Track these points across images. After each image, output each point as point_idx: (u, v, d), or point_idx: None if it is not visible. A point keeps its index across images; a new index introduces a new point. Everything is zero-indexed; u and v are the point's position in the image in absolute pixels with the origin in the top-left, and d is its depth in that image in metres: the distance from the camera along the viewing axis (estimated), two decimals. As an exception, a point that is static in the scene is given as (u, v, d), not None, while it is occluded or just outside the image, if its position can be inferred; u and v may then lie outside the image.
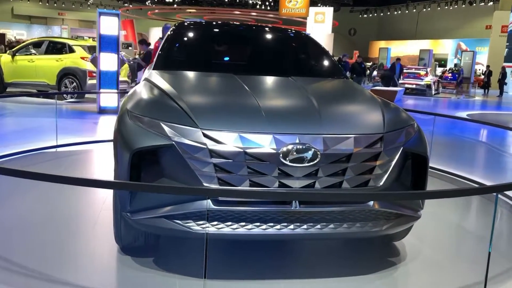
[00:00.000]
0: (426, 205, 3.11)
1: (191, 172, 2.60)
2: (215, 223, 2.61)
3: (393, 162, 2.81)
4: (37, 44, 12.74)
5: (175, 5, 39.93)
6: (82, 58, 11.81)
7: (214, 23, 5.62)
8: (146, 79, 3.57)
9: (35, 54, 12.43)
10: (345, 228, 2.71)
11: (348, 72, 18.82)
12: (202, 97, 3.26)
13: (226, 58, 4.35)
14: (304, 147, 2.63)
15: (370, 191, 2.74)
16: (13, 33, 38.18)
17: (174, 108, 2.85)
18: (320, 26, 28.41)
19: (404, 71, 21.68)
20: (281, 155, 2.60)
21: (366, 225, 2.75)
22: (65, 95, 11.87)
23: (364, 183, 2.74)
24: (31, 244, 3.34)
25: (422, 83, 21.20)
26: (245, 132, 2.65)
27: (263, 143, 2.62)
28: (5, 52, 12.45)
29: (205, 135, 2.64)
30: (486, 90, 24.76)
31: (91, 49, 11.94)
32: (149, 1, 40.04)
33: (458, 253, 3.62)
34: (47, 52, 12.33)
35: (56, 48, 12.41)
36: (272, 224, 2.64)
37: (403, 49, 40.19)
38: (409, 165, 3.01)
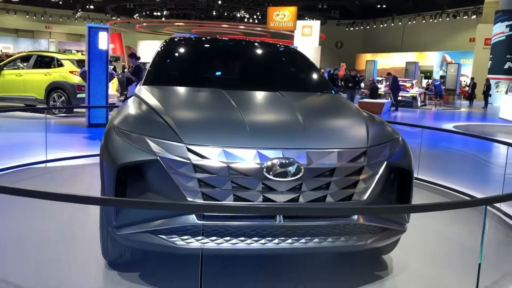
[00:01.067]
0: (413, 217, 3.17)
1: (175, 187, 2.62)
2: (199, 238, 2.63)
3: (377, 176, 2.85)
4: (25, 58, 12.70)
5: (163, 19, 40.09)
6: (71, 72, 11.80)
7: (204, 38, 5.65)
8: (135, 95, 3.65)
9: (23, 68, 12.39)
10: (330, 242, 2.74)
11: (342, 82, 18.99)
12: (188, 112, 3.31)
13: (216, 73, 4.38)
14: (287, 161, 2.66)
15: (354, 205, 2.76)
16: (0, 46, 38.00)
17: (160, 123, 2.90)
18: (308, 39, 28.79)
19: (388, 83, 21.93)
20: (265, 170, 2.63)
21: (350, 239, 2.78)
22: (53, 109, 11.82)
23: (348, 197, 2.77)
24: (17, 260, 3.33)
25: (408, 95, 21.47)
26: (229, 147, 2.69)
27: (247, 157, 2.66)
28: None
29: (190, 150, 2.67)
30: (471, 102, 25.15)
31: (79, 63, 11.93)
32: (137, 15, 40.13)
33: (447, 265, 3.66)
34: (35, 66, 12.32)
35: (44, 62, 12.40)
36: (256, 238, 2.66)
37: (389, 61, 40.76)
38: (394, 179, 3.06)
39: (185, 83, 3.96)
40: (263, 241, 2.67)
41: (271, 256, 3.46)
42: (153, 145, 2.72)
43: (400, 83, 20.51)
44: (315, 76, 4.46)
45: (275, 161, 2.65)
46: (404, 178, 3.05)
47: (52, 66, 12.14)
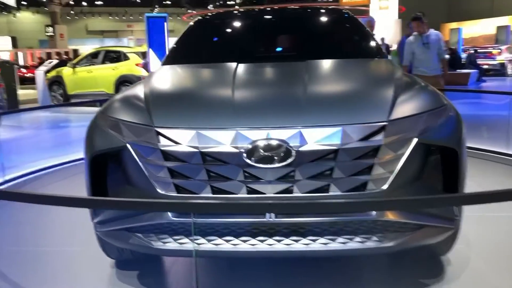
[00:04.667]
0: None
1: (145, 177, 2.27)
2: (177, 237, 2.23)
3: (403, 158, 2.22)
4: (94, 55, 13.13)
5: (237, 7, 40.16)
6: (137, 64, 12.00)
7: (234, 11, 5.19)
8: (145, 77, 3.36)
9: (93, 65, 12.82)
10: (340, 244, 2.17)
11: None
12: (174, 92, 2.90)
13: (239, 46, 3.92)
14: (273, 143, 2.15)
15: (369, 197, 2.17)
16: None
17: (137, 105, 2.55)
18: (385, 13, 27.16)
19: (478, 51, 20.02)
20: (245, 155, 2.14)
21: (369, 239, 2.19)
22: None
23: (360, 186, 2.18)
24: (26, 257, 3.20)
25: (495, 62, 19.45)
26: (205, 128, 2.24)
27: (224, 140, 2.19)
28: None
29: (159, 134, 2.28)
30: None
31: (145, 55, 12.09)
32: (211, 5, 40.55)
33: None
34: (104, 61, 12.67)
35: (112, 57, 12.72)
36: (244, 238, 2.18)
37: (477, 29, 37.44)
38: (434, 161, 2.41)
39: (203, 59, 3.64)
40: (253, 241, 2.18)
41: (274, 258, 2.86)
42: (124, 130, 2.39)
43: (485, 50, 18.66)
44: (360, 40, 3.85)
45: (258, 143, 2.15)
46: (448, 159, 2.37)
47: (119, 60, 12.43)
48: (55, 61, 15.92)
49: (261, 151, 2.14)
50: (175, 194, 2.22)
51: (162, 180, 2.24)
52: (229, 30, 4.20)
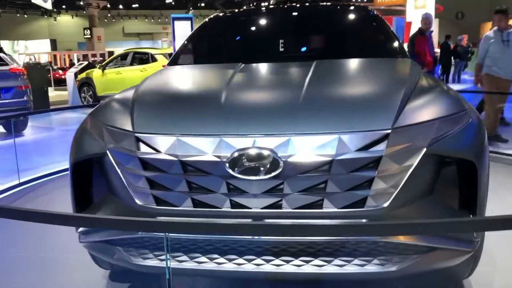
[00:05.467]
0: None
1: (124, 187, 2.10)
2: (159, 253, 2.04)
3: (409, 171, 1.94)
4: (123, 57, 13.20)
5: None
6: (163, 66, 11.95)
7: (247, 9, 4.97)
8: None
9: (122, 66, 12.89)
10: (336, 267, 1.92)
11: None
12: (162, 95, 2.66)
13: (246, 45, 3.74)
14: (259, 152, 1.92)
15: (369, 214, 1.92)
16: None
17: (122, 109, 2.39)
18: (422, 12, 26.31)
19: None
20: (227, 165, 1.92)
21: (369, 262, 1.92)
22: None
23: (358, 202, 1.93)
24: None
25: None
26: (186, 135, 2.03)
27: (206, 149, 1.97)
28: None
29: (139, 140, 2.10)
30: None
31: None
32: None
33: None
34: (132, 63, 12.72)
35: (140, 58, 12.76)
36: (230, 257, 1.97)
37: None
38: (448, 174, 2.11)
39: (209, 59, 3.49)
40: (239, 260, 1.96)
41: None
42: (106, 135, 2.23)
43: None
44: (380, 38, 3.57)
45: (242, 152, 1.92)
46: (464, 173, 2.06)
47: (147, 62, 12.45)
48: (85, 63, 16.13)
49: (245, 161, 1.91)
50: (154, 206, 2.04)
51: (141, 190, 2.05)
52: (238, 28, 4.00)
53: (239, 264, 1.96)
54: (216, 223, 1.74)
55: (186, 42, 3.85)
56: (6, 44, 36.03)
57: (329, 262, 1.93)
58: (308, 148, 1.92)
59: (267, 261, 1.95)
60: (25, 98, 8.84)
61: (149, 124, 2.17)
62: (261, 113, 2.16)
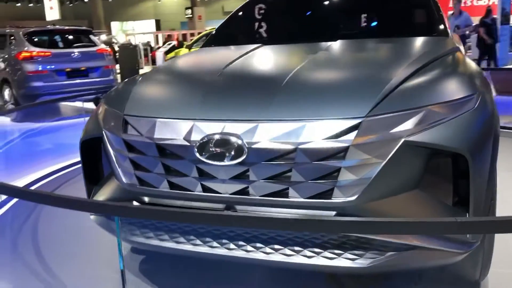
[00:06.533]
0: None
1: (115, 167, 2.21)
2: (144, 230, 2.13)
3: (384, 163, 1.80)
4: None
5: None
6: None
7: None
8: None
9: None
10: (305, 258, 1.87)
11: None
12: (162, 78, 2.76)
13: (270, 25, 3.66)
14: (225, 138, 1.91)
15: (335, 206, 1.83)
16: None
17: (124, 92, 2.47)
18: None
19: None
20: (196, 150, 1.93)
21: (339, 256, 1.85)
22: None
23: (324, 193, 1.84)
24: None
25: None
26: (164, 118, 2.09)
27: (180, 132, 2.01)
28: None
29: (126, 122, 2.21)
30: None
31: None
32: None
33: None
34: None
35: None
36: (204, 240, 2.02)
37: None
38: (446, 168, 1.93)
39: (236, 41, 3.51)
40: (214, 243, 2.01)
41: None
42: (105, 117, 2.35)
43: None
44: (413, 16, 3.36)
45: (210, 137, 1.94)
46: (456, 168, 1.90)
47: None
48: (173, 43, 16.80)
49: (212, 146, 1.91)
50: (138, 185, 2.14)
51: (127, 170, 2.17)
52: (268, 9, 3.92)
53: (212, 247, 2.00)
54: (158, 210, 1.80)
55: (222, 23, 3.87)
56: (116, 25, 38.76)
57: (298, 252, 1.89)
58: (274, 135, 1.87)
59: (239, 246, 1.97)
60: (111, 76, 9.48)
61: (136, 107, 2.25)
62: (235, 98, 2.15)
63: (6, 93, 8.90)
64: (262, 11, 3.90)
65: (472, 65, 2.59)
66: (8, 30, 9.43)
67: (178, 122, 2.05)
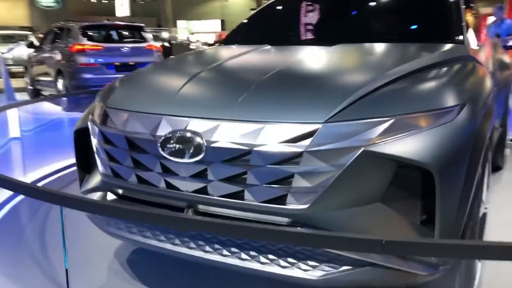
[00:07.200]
0: None
1: (95, 157, 2.27)
2: (128, 225, 2.19)
3: (340, 172, 1.72)
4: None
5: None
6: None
7: None
8: None
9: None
10: (259, 265, 1.85)
11: None
12: (155, 72, 2.80)
13: (282, 27, 3.68)
14: (186, 135, 1.89)
15: (289, 213, 1.77)
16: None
17: (115, 85, 2.55)
18: None
19: None
20: (159, 145, 1.94)
21: (292, 266, 1.81)
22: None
23: (278, 199, 1.78)
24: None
25: None
26: (135, 112, 2.12)
27: (147, 127, 2.02)
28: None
29: (106, 114, 2.24)
30: None
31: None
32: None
33: None
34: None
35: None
36: (168, 236, 2.04)
37: None
38: (412, 183, 1.81)
39: (243, 41, 3.50)
40: (176, 241, 2.03)
41: None
42: (93, 110, 2.41)
43: None
44: (426, 21, 3.16)
45: (173, 134, 1.94)
46: (424, 184, 1.78)
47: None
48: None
49: (173, 142, 1.92)
50: (112, 177, 2.19)
51: (103, 161, 2.23)
52: (288, 10, 3.89)
53: (175, 245, 2.03)
54: (101, 204, 1.79)
55: (238, 25, 3.93)
56: (182, 24, 39.82)
57: (253, 257, 1.87)
58: (233, 135, 1.84)
59: (199, 246, 1.98)
60: (158, 72, 9.74)
61: (117, 100, 2.31)
62: (204, 96, 2.18)
63: (60, 83, 9.39)
64: (273, 14, 3.94)
65: (476, 75, 2.43)
66: (68, 24, 9.95)
67: (149, 116, 2.06)
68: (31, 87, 11.10)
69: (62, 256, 2.16)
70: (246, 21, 3.93)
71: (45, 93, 10.44)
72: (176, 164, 1.93)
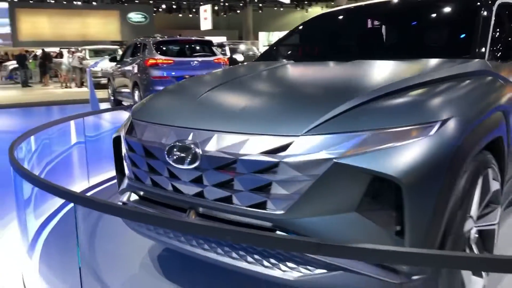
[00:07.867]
0: None
1: (124, 163, 2.65)
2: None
3: (313, 181, 1.89)
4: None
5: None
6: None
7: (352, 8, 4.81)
8: None
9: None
10: (246, 263, 2.06)
11: None
12: (180, 87, 3.12)
13: (310, 44, 3.82)
14: (185, 145, 2.17)
15: (268, 217, 1.98)
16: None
17: (145, 99, 2.91)
18: None
19: None
20: (166, 152, 2.24)
21: (274, 266, 2.00)
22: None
23: (260, 204, 2.00)
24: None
25: None
26: (151, 123, 2.44)
27: (159, 136, 2.33)
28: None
29: (132, 125, 2.59)
30: None
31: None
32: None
33: None
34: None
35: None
36: (177, 235, 2.31)
37: None
38: (384, 195, 1.93)
39: (275, 57, 3.75)
40: (182, 239, 2.29)
41: None
42: (126, 121, 2.76)
43: None
44: (447, 36, 3.20)
45: (176, 143, 2.22)
46: (398, 196, 1.86)
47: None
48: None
49: (177, 150, 2.21)
50: (134, 180, 2.53)
51: (128, 166, 2.58)
52: (318, 28, 4.04)
53: (181, 243, 2.29)
54: (104, 203, 2.09)
55: (280, 40, 4.13)
56: (263, 36, 40.63)
57: (241, 257, 2.08)
58: (224, 145, 2.10)
59: (198, 245, 2.22)
60: (225, 84, 10.19)
61: (142, 113, 2.65)
62: (205, 111, 2.40)
63: (136, 94, 10.17)
64: (301, 34, 4.13)
65: (482, 90, 2.46)
66: (145, 40, 10.77)
67: (162, 127, 2.37)
68: (113, 98, 12.11)
69: (102, 258, 2.40)
70: (281, 37, 4.14)
71: (125, 103, 11.31)
72: (179, 170, 2.21)
